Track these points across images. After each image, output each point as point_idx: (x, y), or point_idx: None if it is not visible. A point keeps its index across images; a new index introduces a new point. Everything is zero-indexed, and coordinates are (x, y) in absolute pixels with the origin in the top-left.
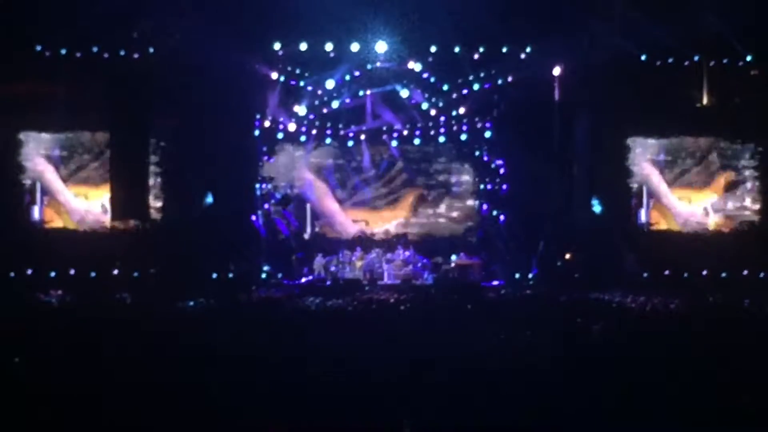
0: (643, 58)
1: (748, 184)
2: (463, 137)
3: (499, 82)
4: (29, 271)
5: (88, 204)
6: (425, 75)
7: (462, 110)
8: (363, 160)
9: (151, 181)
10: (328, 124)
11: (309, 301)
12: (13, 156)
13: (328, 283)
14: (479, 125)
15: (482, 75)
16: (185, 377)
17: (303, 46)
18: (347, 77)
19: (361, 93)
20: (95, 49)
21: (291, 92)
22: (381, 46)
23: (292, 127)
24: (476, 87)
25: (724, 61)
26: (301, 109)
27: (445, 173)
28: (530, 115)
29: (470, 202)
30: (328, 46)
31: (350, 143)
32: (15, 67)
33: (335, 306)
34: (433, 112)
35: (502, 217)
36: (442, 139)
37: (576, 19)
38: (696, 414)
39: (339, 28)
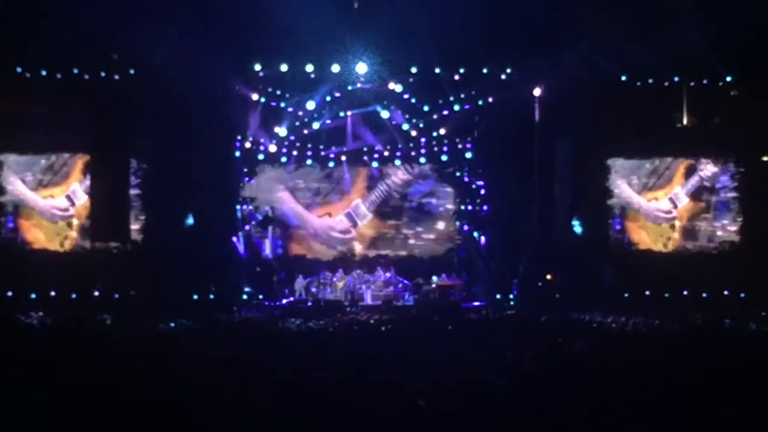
0: (623, 78)
1: (729, 205)
2: (444, 158)
3: (480, 103)
4: (9, 293)
5: (53, 201)
6: (406, 96)
7: (443, 131)
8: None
9: (132, 203)
10: (309, 145)
11: (290, 322)
12: None
13: (309, 304)
14: (460, 146)
15: (463, 96)
16: (166, 398)
17: (284, 68)
18: (328, 98)
19: (341, 114)
20: (76, 71)
21: (272, 113)
22: (362, 68)
23: (272, 148)
24: (457, 108)
25: (704, 81)
26: (281, 130)
27: (426, 194)
28: (511, 136)
29: (451, 223)
30: (309, 68)
31: (331, 164)
32: None
33: (316, 327)
34: (413, 133)
35: (482, 238)
36: (422, 159)
37: (556, 41)
38: None
39: (320, 49)
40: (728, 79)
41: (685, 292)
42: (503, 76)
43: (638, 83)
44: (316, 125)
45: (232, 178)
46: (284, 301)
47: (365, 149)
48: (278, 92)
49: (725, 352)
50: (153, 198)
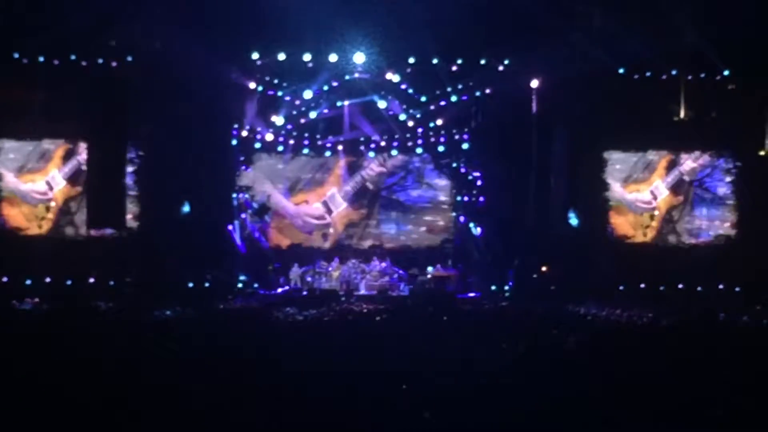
0: (620, 71)
1: (725, 198)
2: (441, 149)
3: (477, 94)
4: (4, 279)
5: (33, 185)
6: (403, 86)
7: (439, 122)
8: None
9: (128, 190)
10: (306, 135)
11: (285, 311)
12: None
13: (305, 293)
14: (457, 137)
15: (460, 87)
16: (161, 386)
17: (281, 56)
18: (325, 88)
19: (338, 103)
20: (73, 57)
21: (269, 102)
22: (359, 57)
23: (269, 137)
24: (454, 99)
25: (702, 75)
26: (278, 119)
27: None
28: (507, 128)
29: (447, 214)
30: (307, 57)
31: (327, 153)
32: None
33: (311, 316)
34: (410, 124)
35: (478, 229)
36: (419, 150)
37: (554, 32)
38: (670, 427)
39: (317, 38)
40: (725, 72)
41: (680, 286)
42: (501, 68)
43: (635, 76)
44: (313, 114)
45: (228, 167)
46: (279, 290)
47: (362, 139)
48: (275, 81)
49: (719, 346)
50: (149, 185)
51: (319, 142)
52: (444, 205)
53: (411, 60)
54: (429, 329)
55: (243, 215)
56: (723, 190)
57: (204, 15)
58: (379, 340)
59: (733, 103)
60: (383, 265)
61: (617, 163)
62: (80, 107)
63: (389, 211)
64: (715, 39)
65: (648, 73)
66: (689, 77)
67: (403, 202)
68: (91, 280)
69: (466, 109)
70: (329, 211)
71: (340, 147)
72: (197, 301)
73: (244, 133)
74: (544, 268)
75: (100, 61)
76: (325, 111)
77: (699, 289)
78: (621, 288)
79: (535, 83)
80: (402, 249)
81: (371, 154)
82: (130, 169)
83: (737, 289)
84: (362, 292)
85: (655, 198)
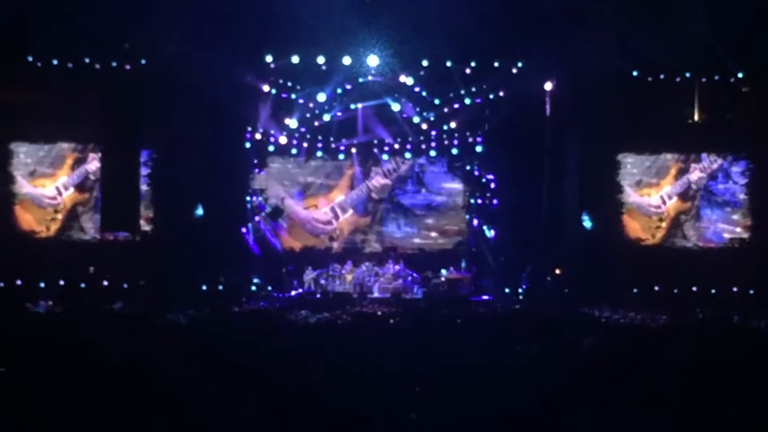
0: (634, 74)
1: (739, 201)
2: (454, 151)
3: (491, 96)
4: (19, 282)
5: (44, 190)
6: (417, 89)
7: (453, 124)
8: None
9: (142, 193)
10: (319, 137)
11: (298, 314)
12: (3, 166)
13: (318, 296)
14: (470, 139)
15: (474, 89)
16: (174, 388)
17: (295, 59)
18: (339, 90)
19: (352, 106)
20: (87, 60)
21: (282, 105)
22: (373, 60)
23: (283, 139)
24: (468, 101)
25: (716, 77)
26: (292, 122)
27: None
28: (521, 130)
29: (460, 216)
30: (320, 59)
31: (341, 156)
32: (6, 77)
33: (325, 319)
34: (424, 126)
35: (492, 232)
36: (433, 153)
37: (568, 35)
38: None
39: (331, 41)
40: (740, 75)
41: (694, 289)
42: (514, 70)
43: (649, 78)
44: (326, 117)
45: (242, 170)
46: (293, 292)
47: (376, 142)
48: (289, 84)
49: (733, 348)
50: (163, 188)
51: (333, 145)
52: (457, 207)
53: (425, 63)
54: (442, 332)
55: (256, 218)
56: (736, 192)
57: (217, 18)
58: (393, 343)
59: (748, 106)
60: (397, 268)
61: (630, 165)
62: (94, 110)
63: (398, 215)
64: (729, 41)
65: (662, 76)
66: (703, 80)
67: (412, 206)
68: (105, 282)
69: (479, 112)
70: (336, 217)
71: (353, 150)
72: (211, 303)
73: (258, 136)
74: (557, 271)
75: (114, 64)
76: (339, 114)
77: (713, 292)
78: (635, 291)
79: (548, 86)
80: (415, 252)
81: (384, 156)
82: (143, 171)
83: (751, 292)
84: (376, 295)
85: (666, 201)
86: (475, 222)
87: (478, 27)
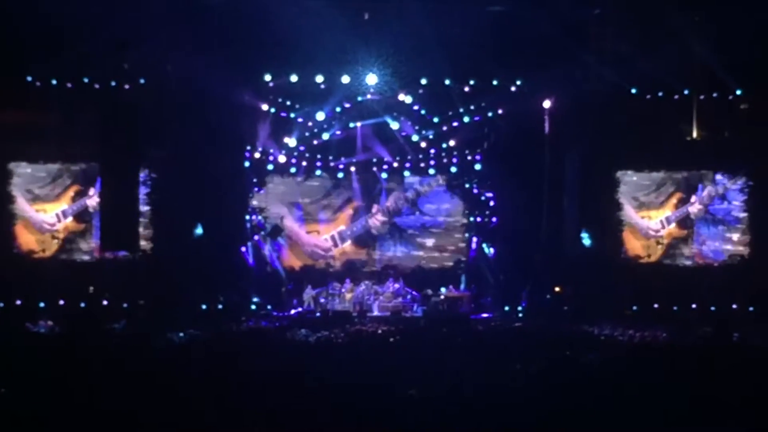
0: (633, 91)
1: (738, 218)
2: (453, 169)
3: (490, 114)
4: (18, 302)
5: (45, 215)
6: (415, 107)
7: (452, 142)
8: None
9: (141, 212)
10: (318, 156)
11: (298, 333)
12: (2, 186)
13: (318, 314)
14: (469, 158)
15: (472, 108)
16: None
17: (294, 78)
18: (338, 109)
19: (351, 125)
20: (86, 80)
21: (281, 124)
22: (371, 78)
23: (282, 158)
24: (466, 120)
25: (714, 94)
26: (291, 141)
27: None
28: (520, 148)
29: (460, 235)
30: (319, 78)
31: (340, 175)
32: (4, 97)
33: (324, 337)
34: (423, 145)
35: (491, 250)
36: (432, 171)
37: (567, 53)
38: None
39: (330, 60)
40: (738, 92)
41: (694, 306)
42: (513, 89)
43: (648, 96)
44: (325, 136)
45: (241, 189)
46: (292, 311)
47: (375, 160)
48: (288, 103)
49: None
50: (162, 207)
51: (332, 164)
52: (457, 226)
53: (423, 81)
54: (442, 350)
55: (256, 237)
56: (736, 209)
57: (216, 37)
58: (393, 361)
59: (746, 123)
60: (396, 286)
61: (629, 183)
62: (93, 129)
63: (397, 233)
64: (727, 58)
65: (660, 93)
66: (701, 97)
67: (410, 225)
68: (105, 302)
69: (478, 130)
70: (336, 245)
71: (352, 168)
72: (210, 322)
73: (257, 155)
74: (557, 289)
75: (113, 83)
76: (338, 132)
77: (712, 309)
78: (634, 308)
79: (547, 104)
80: (415, 270)
81: (384, 174)
82: (142, 191)
83: (751, 308)
84: (375, 313)
85: (665, 225)
86: (475, 240)
87: (477, 45)
